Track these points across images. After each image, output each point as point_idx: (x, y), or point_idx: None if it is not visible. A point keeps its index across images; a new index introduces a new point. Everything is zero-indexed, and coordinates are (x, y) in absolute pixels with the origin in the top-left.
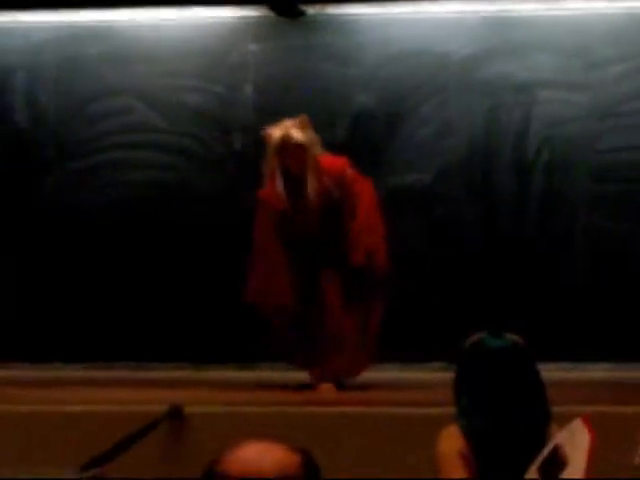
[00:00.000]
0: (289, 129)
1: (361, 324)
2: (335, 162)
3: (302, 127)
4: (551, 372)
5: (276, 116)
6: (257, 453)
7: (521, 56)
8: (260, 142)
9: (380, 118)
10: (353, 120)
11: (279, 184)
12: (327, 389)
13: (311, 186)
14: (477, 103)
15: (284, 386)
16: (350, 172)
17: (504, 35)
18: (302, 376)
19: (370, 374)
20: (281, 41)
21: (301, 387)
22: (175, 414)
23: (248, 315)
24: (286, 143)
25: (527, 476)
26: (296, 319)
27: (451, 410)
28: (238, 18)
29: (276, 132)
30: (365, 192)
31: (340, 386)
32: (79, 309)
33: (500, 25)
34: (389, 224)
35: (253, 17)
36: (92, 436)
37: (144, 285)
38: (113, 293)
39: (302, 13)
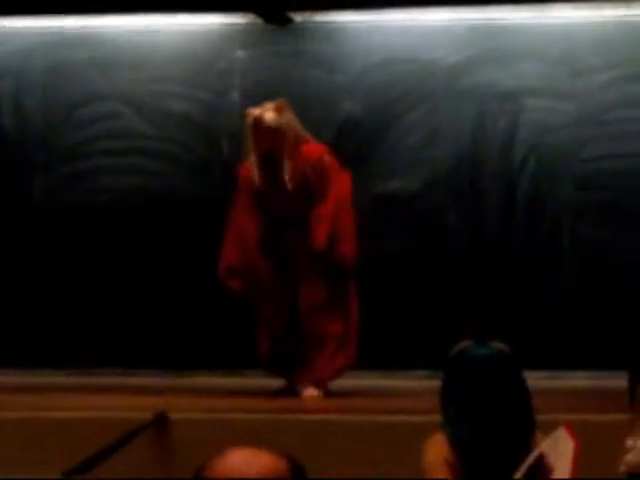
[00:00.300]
0: (264, 111)
1: (337, 318)
2: (315, 149)
3: (279, 110)
4: (535, 380)
5: None
6: (243, 459)
7: (507, 64)
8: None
9: (366, 125)
10: (339, 127)
11: (253, 163)
12: (312, 396)
13: (287, 169)
14: (464, 111)
15: (269, 393)
16: (328, 159)
17: (491, 43)
18: (283, 383)
19: (355, 381)
20: (268, 48)
21: (286, 394)
22: (160, 421)
23: (234, 321)
24: (258, 124)
25: None
26: (269, 297)
27: (437, 418)
28: (226, 25)
29: (253, 112)
30: (340, 182)
31: (325, 393)
32: (64, 315)
33: (487, 33)
34: (374, 231)
35: (241, 24)
36: (77, 442)
37: (129, 291)
38: (98, 299)
39: (289, 20)
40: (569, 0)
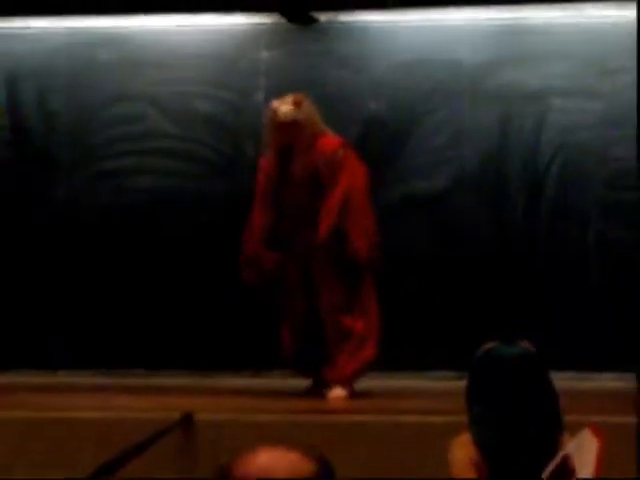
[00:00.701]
0: (282, 105)
1: (357, 315)
2: (329, 142)
3: (297, 104)
4: (562, 381)
5: None
6: (271, 459)
7: (534, 64)
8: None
9: (391, 125)
10: (364, 127)
11: (271, 154)
12: (337, 397)
13: (299, 161)
14: (489, 111)
15: (295, 393)
16: (342, 152)
17: (517, 43)
18: (309, 383)
19: (381, 382)
20: (293, 48)
21: (312, 395)
22: (186, 421)
23: (260, 322)
24: (275, 117)
25: None
26: (286, 293)
27: (463, 418)
28: (250, 25)
29: (272, 105)
30: (353, 175)
31: (350, 393)
32: (90, 315)
33: (513, 33)
34: (399, 231)
35: (265, 24)
36: (102, 442)
37: (156, 291)
38: (124, 299)
39: (314, 20)
40: (596, 0)
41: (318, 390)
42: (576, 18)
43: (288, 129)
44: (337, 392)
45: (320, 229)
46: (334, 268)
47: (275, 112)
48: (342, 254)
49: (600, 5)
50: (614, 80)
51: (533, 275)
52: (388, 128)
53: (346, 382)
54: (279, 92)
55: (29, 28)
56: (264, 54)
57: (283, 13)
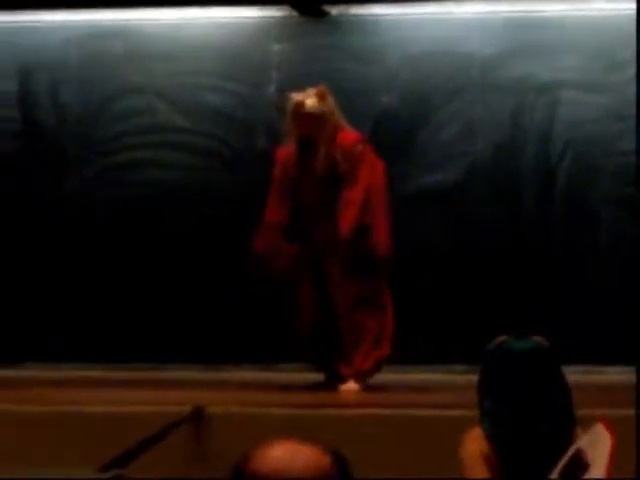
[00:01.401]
0: (306, 97)
1: (373, 311)
2: (349, 136)
3: (320, 96)
4: (574, 375)
5: None
6: (288, 452)
7: (544, 57)
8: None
9: (403, 118)
10: (376, 120)
11: (292, 147)
12: (350, 390)
13: (320, 155)
14: (500, 104)
15: (306, 387)
16: (361, 147)
17: (527, 35)
18: (323, 377)
19: (393, 375)
20: (304, 41)
21: (323, 388)
22: (197, 415)
23: (272, 315)
24: (299, 110)
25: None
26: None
27: (475, 412)
28: (261, 18)
29: (294, 97)
30: (372, 170)
31: (363, 387)
32: (100, 308)
33: (523, 25)
34: (412, 224)
35: (276, 17)
36: (113, 436)
37: (166, 285)
38: (135, 293)
39: (325, 13)
40: None
41: (332, 384)
42: (586, 11)
43: (313, 121)
44: (349, 385)
45: (342, 225)
46: (349, 264)
47: (300, 104)
48: (360, 250)
49: None
50: (624, 73)
51: (546, 267)
52: (400, 121)
53: (360, 377)
54: (290, 85)
55: (40, 21)
56: (275, 47)
57: (294, 6)
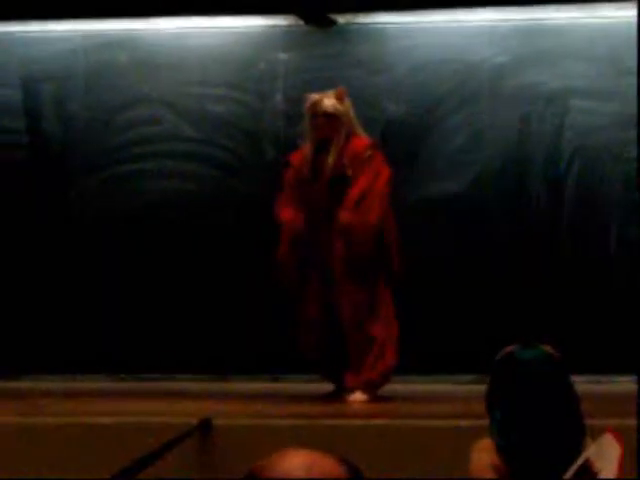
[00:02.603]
0: (325, 97)
1: (379, 320)
2: (359, 142)
3: (339, 98)
4: (584, 385)
5: None
6: (303, 462)
7: (553, 65)
8: (290, 151)
9: (410, 127)
10: (383, 129)
11: (308, 148)
12: (357, 401)
13: (331, 158)
14: (509, 112)
15: (313, 398)
16: (369, 153)
17: (535, 43)
18: (331, 388)
19: (401, 386)
20: (311, 50)
21: (331, 399)
22: (204, 426)
23: (279, 326)
24: (317, 109)
25: None
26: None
27: (484, 423)
28: (268, 27)
29: (313, 97)
30: (374, 177)
31: (371, 398)
32: (104, 319)
33: (531, 33)
34: (419, 233)
35: (283, 26)
36: (120, 448)
37: (173, 295)
38: (141, 303)
39: (332, 22)
40: (615, 0)
41: (340, 395)
42: (595, 19)
43: (328, 121)
44: (357, 396)
45: (342, 212)
46: (356, 270)
47: (318, 103)
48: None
49: (619, 6)
50: (633, 80)
51: (555, 276)
52: (407, 130)
53: (368, 387)
54: (297, 94)
55: (46, 31)
56: (282, 56)
57: (301, 15)
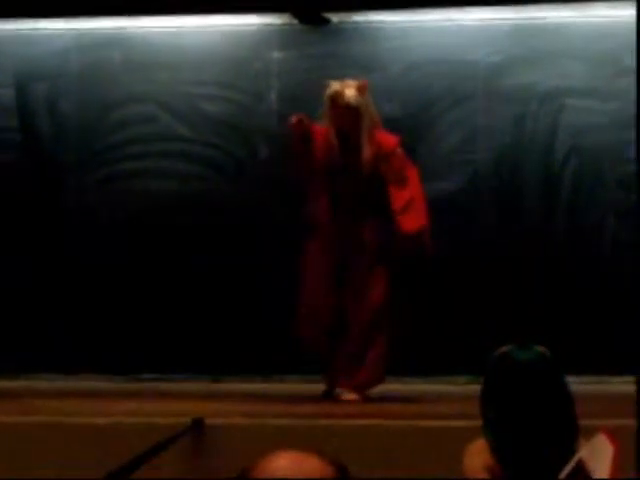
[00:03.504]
0: (345, 87)
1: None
2: (389, 138)
3: (360, 90)
4: (577, 385)
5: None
6: (292, 462)
7: (548, 64)
8: (284, 150)
9: (405, 126)
10: None
11: (332, 137)
12: (351, 401)
13: (366, 151)
14: (504, 111)
15: (306, 398)
16: (400, 151)
17: (531, 43)
18: (324, 388)
19: (395, 386)
20: (305, 49)
21: (324, 399)
22: (197, 426)
23: (272, 326)
24: (338, 99)
25: None
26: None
27: (478, 423)
28: (262, 26)
29: (334, 86)
30: (414, 176)
31: (364, 398)
32: (100, 320)
33: (527, 33)
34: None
35: (277, 25)
36: (114, 447)
37: (167, 296)
38: (135, 304)
39: (326, 21)
40: (611, 0)
41: (332, 395)
42: (590, 18)
43: (350, 113)
44: (351, 396)
45: (406, 224)
46: (375, 268)
47: (339, 94)
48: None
49: (615, 5)
50: (628, 80)
51: (550, 276)
52: (402, 129)
53: (360, 388)
54: (291, 93)
55: (39, 30)
56: (276, 55)
57: (295, 14)
